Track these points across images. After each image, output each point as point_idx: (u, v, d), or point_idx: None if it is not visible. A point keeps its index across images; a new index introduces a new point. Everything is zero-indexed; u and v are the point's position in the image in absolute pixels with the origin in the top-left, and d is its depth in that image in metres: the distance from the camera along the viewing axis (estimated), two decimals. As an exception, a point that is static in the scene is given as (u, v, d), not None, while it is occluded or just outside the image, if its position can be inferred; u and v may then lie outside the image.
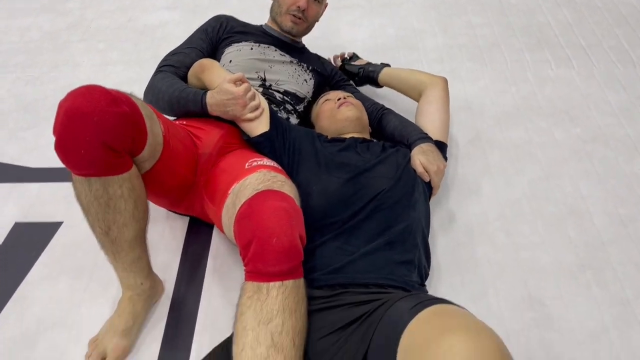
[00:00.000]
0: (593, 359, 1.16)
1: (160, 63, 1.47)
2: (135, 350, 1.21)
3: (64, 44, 2.20)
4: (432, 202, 1.40)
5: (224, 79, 1.27)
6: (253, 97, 1.28)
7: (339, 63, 1.81)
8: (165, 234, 1.45)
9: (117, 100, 0.99)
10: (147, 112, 1.07)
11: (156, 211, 1.48)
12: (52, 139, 0.98)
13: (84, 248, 1.40)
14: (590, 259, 1.35)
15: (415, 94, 1.58)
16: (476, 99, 1.84)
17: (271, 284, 0.97)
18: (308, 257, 1.08)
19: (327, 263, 1.12)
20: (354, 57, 1.82)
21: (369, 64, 1.74)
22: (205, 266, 1.37)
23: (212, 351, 1.06)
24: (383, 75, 1.67)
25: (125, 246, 1.13)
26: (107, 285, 1.32)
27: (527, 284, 1.31)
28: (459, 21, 2.22)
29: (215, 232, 1.45)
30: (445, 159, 1.40)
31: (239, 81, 1.26)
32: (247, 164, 1.19)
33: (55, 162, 1.01)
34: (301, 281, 1.01)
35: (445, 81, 1.55)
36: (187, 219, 1.48)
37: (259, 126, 1.30)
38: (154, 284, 1.26)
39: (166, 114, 1.34)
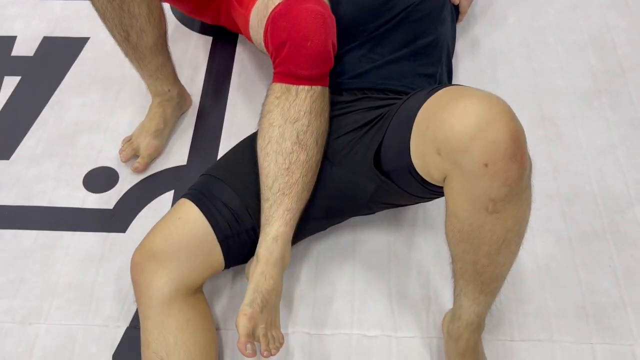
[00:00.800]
0: (597, 173, 1.23)
1: None
2: (166, 153, 1.30)
3: None
4: (457, 29, 1.39)
5: None
6: None
7: None
8: (189, 51, 1.47)
9: None
10: None
11: (177, 30, 1.50)
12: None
13: (112, 62, 1.44)
14: (607, 85, 1.37)
15: None
16: None
17: (300, 87, 1.00)
18: (332, 64, 1.10)
19: (350, 69, 1.14)
20: None
21: None
22: (230, 81, 1.42)
23: (237, 144, 1.13)
24: None
25: (148, 53, 1.16)
26: (137, 96, 1.38)
27: (541, 105, 1.34)
28: None
29: (239, 50, 1.47)
30: None
31: None
32: None
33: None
34: (327, 89, 1.05)
35: None
36: (210, 38, 1.50)
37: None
38: (182, 92, 1.31)
39: None
